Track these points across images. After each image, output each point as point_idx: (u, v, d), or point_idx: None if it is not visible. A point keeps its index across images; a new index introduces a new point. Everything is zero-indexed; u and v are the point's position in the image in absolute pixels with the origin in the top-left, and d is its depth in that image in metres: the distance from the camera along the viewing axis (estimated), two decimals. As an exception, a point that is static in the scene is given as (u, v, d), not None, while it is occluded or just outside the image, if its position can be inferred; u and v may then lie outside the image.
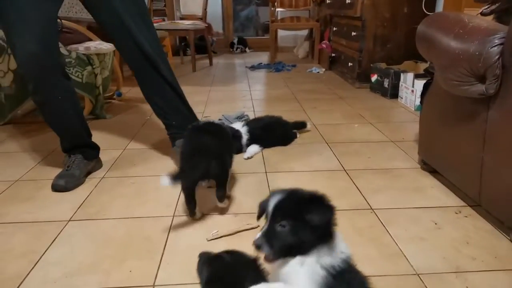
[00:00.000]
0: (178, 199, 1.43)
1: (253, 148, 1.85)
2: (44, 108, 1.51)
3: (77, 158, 1.59)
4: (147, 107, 2.70)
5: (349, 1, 3.27)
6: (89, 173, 1.63)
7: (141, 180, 1.60)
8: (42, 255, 1.12)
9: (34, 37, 1.32)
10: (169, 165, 1.74)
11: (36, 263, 1.08)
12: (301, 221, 0.75)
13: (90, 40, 2.70)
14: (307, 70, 4.06)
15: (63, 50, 2.26)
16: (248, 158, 1.81)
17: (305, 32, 5.23)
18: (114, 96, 2.93)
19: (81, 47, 2.35)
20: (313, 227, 0.75)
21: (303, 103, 2.75)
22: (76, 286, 1.00)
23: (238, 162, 1.76)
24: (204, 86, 3.43)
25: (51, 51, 1.40)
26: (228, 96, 3.07)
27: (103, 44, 2.55)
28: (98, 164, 1.71)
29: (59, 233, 1.22)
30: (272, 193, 0.82)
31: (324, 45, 4.11)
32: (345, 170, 1.65)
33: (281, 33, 5.32)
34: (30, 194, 1.48)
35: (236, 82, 3.59)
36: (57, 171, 1.68)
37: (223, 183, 1.31)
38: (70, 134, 1.61)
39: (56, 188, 1.49)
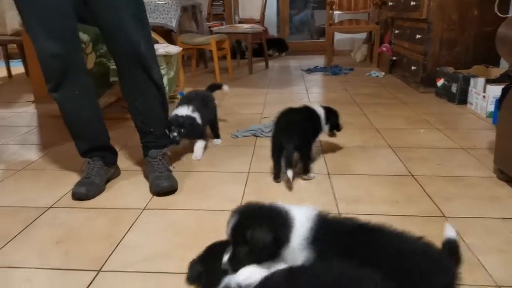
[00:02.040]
0: (243, 195, 1.47)
1: (200, 145, 1.87)
2: (63, 106, 1.46)
3: (97, 165, 1.53)
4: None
5: (414, 3, 3.16)
6: (108, 180, 1.59)
7: (206, 175, 1.66)
8: (122, 239, 1.20)
9: (52, 37, 1.32)
10: (231, 161, 1.79)
11: (116, 246, 1.16)
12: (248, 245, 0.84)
13: (157, 42, 2.84)
14: (366, 73, 3.97)
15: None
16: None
17: (363, 35, 5.13)
18: (177, 96, 3.06)
19: (151, 48, 2.48)
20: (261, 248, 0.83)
21: (363, 107, 2.69)
22: (153, 269, 1.06)
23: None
24: (261, 88, 3.47)
25: (70, 49, 1.37)
26: (285, 98, 3.08)
27: (169, 47, 2.68)
28: (117, 171, 1.66)
29: (136, 220, 1.31)
30: (232, 214, 0.90)
31: (384, 48, 4.00)
32: (412, 175, 1.60)
33: (337, 36, 5.25)
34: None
35: (292, 85, 3.60)
36: (129, 163, 1.80)
37: (306, 156, 1.54)
38: (87, 134, 1.54)
39: (77, 196, 1.45)
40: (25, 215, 1.34)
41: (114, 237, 1.21)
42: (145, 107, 1.54)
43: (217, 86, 2.24)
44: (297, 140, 1.49)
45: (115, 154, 1.64)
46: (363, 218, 0.92)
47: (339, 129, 1.78)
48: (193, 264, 1.00)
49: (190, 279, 0.98)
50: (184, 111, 1.82)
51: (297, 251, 0.85)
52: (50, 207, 1.40)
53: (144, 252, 1.13)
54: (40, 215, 1.35)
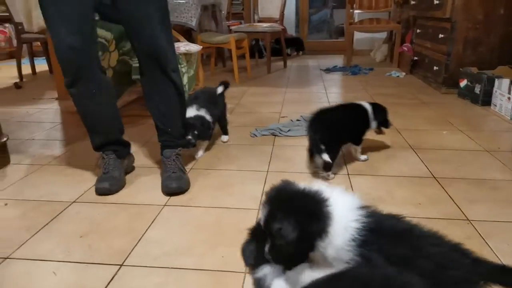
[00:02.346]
0: (262, 194, 1.47)
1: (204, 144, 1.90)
2: (79, 101, 1.49)
3: (111, 159, 1.56)
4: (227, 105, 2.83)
5: (437, 2, 3.10)
6: (126, 172, 1.63)
7: (225, 174, 1.67)
8: (143, 234, 1.22)
9: (71, 31, 1.34)
10: (250, 160, 1.79)
11: (138, 241, 1.18)
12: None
13: (178, 41, 2.88)
14: (386, 73, 3.92)
15: (156, 49, 2.43)
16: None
17: (383, 35, 5.06)
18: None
19: (172, 47, 2.51)
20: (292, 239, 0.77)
21: (383, 107, 2.66)
22: (174, 265, 1.07)
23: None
24: (280, 87, 3.47)
25: (88, 44, 1.40)
26: (304, 97, 3.07)
27: (190, 45, 2.70)
28: (130, 160, 1.70)
29: (157, 216, 1.32)
30: (265, 199, 0.86)
31: (405, 48, 3.94)
32: (434, 177, 1.57)
33: (357, 35, 5.19)
34: (128, 179, 1.62)
35: (311, 84, 3.58)
36: (150, 160, 1.82)
37: (329, 151, 1.52)
38: (102, 128, 1.57)
39: (100, 191, 1.48)
40: (50, 209, 1.38)
41: (136, 232, 1.23)
42: (163, 107, 1.58)
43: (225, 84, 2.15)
44: (347, 136, 1.61)
45: (127, 146, 1.68)
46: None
47: (388, 126, 1.76)
48: (245, 247, 1.03)
49: (247, 263, 1.01)
50: (191, 111, 1.81)
51: (337, 251, 0.78)
52: (74, 201, 1.44)
53: (165, 248, 1.15)
54: (64, 209, 1.38)
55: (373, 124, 1.70)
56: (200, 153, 1.87)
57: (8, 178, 1.65)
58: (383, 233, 0.80)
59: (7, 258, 1.11)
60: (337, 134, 1.59)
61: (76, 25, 1.35)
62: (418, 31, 3.71)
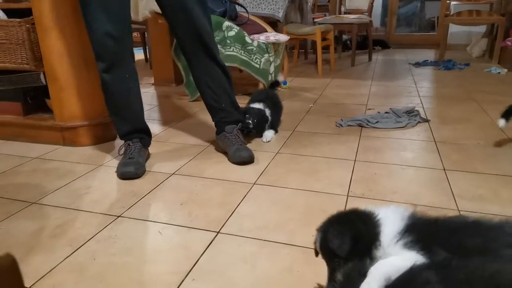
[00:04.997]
0: (350, 182, 1.46)
1: (270, 133, 1.95)
2: (112, 87, 1.53)
3: (137, 147, 1.61)
4: (309, 95, 2.84)
5: (556, -11, 2.75)
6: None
7: (312, 160, 1.68)
8: (236, 207, 1.29)
9: (111, 18, 1.40)
10: (336, 148, 1.78)
11: (232, 213, 1.26)
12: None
13: (266, 31, 2.94)
14: (485, 69, 3.59)
15: (247, 39, 2.52)
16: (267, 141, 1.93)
17: (482, 29, 4.63)
18: (280, 84, 3.13)
19: (262, 37, 2.58)
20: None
21: (482, 104, 2.45)
22: (267, 238, 1.12)
23: (406, 154, 1.70)
24: (365, 80, 3.37)
25: (125, 32, 1.47)
26: (391, 91, 2.95)
27: (279, 35, 2.74)
28: (149, 154, 1.74)
29: (247, 193, 1.39)
30: (319, 230, 0.84)
31: (509, 43, 3.56)
32: (547, 179, 1.42)
33: (451, 29, 4.81)
34: (219, 157, 1.72)
35: (399, 78, 3.42)
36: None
37: None
38: (132, 115, 1.62)
39: (126, 175, 1.51)
40: (153, 178, 1.52)
41: (230, 204, 1.31)
42: (213, 85, 1.67)
43: (276, 83, 2.38)
44: None
45: (150, 136, 1.72)
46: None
47: None
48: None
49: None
50: (256, 105, 1.96)
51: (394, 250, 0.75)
52: (173, 173, 1.57)
53: (257, 222, 1.20)
54: (165, 179, 1.51)
55: None
56: (269, 135, 1.96)
57: (116, 150, 1.85)
58: (440, 229, 0.76)
59: (120, 216, 1.26)
60: None
61: (116, 14, 1.42)
62: (527, 23, 3.33)
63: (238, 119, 1.78)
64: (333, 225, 0.81)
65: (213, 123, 1.79)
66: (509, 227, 0.75)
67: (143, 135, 1.67)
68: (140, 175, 1.54)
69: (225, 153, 1.73)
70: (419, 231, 0.76)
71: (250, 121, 1.83)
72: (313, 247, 0.86)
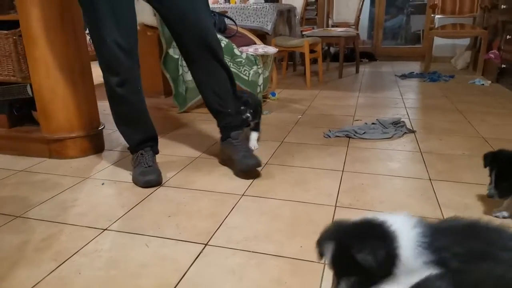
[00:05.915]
0: (338, 192, 1.47)
1: (254, 135, 1.96)
2: (127, 100, 1.52)
3: (149, 155, 1.61)
4: (298, 107, 2.86)
5: (534, 4, 2.85)
6: None
7: (300, 170, 1.69)
8: (224, 219, 1.28)
9: (122, 31, 1.38)
10: (325, 159, 1.80)
11: (220, 224, 1.25)
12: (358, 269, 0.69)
13: (255, 43, 2.97)
14: (469, 81, 3.67)
15: (236, 51, 2.54)
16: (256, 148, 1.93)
17: (465, 41, 4.75)
18: (269, 96, 3.16)
19: (251, 49, 2.61)
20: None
21: (466, 115, 2.50)
22: (255, 249, 1.11)
23: (392, 165, 1.72)
24: (352, 91, 3.42)
25: (134, 44, 1.45)
26: (378, 102, 2.99)
27: (267, 47, 2.78)
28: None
29: (236, 204, 1.39)
30: (324, 240, 0.76)
31: (492, 55, 3.67)
32: (529, 188, 1.44)
33: (436, 42, 4.93)
34: (208, 169, 1.71)
35: (385, 90, 3.48)
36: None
37: None
38: (145, 124, 1.63)
39: (150, 183, 1.51)
40: (141, 190, 1.51)
41: (218, 216, 1.30)
42: (219, 89, 1.64)
43: None
44: None
45: (157, 143, 1.72)
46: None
47: None
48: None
49: None
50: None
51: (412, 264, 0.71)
52: (161, 185, 1.56)
53: (245, 233, 1.20)
54: (153, 192, 1.50)
55: None
56: (254, 143, 1.96)
57: (103, 162, 1.83)
58: (447, 234, 0.76)
59: (106, 229, 1.24)
60: None
61: (127, 25, 1.40)
62: (508, 37, 3.43)
63: (243, 121, 1.78)
64: (360, 236, 0.74)
65: (218, 128, 1.75)
66: (505, 231, 0.76)
67: (153, 142, 1.68)
68: (161, 182, 1.55)
69: (230, 159, 1.70)
70: (432, 241, 0.71)
71: (249, 114, 1.85)
72: (301, 258, 0.86)
